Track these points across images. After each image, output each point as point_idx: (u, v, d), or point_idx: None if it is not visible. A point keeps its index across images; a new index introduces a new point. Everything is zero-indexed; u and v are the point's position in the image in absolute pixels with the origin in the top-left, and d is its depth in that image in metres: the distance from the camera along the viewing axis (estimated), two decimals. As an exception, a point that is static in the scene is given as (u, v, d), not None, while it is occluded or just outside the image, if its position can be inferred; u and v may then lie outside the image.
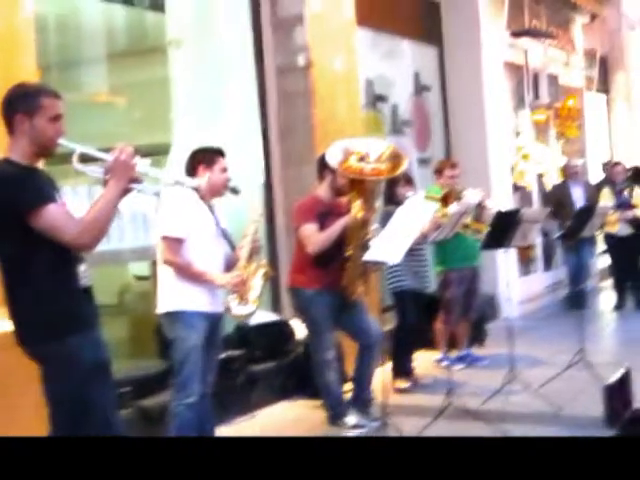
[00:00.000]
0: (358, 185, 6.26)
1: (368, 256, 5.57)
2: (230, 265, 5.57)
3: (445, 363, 8.17)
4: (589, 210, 8.06)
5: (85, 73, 8.03)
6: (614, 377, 6.22)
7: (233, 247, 5.60)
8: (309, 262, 6.43)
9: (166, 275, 5.46)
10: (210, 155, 5.58)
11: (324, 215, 6.40)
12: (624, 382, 6.27)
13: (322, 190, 6.57)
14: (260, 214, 5.79)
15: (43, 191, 3.89)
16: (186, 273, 5.39)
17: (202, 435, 5.51)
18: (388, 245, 5.42)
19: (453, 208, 7.15)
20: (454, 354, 8.47)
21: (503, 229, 6.98)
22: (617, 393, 6.13)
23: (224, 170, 5.58)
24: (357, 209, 6.23)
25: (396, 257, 5.41)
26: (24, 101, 3.93)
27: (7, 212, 3.82)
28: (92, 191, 5.89)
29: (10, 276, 3.96)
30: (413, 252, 6.94)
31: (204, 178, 5.07)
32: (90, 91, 8.04)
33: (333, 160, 6.26)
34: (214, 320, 5.50)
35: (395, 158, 6.30)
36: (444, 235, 6.94)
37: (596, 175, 14.17)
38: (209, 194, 5.44)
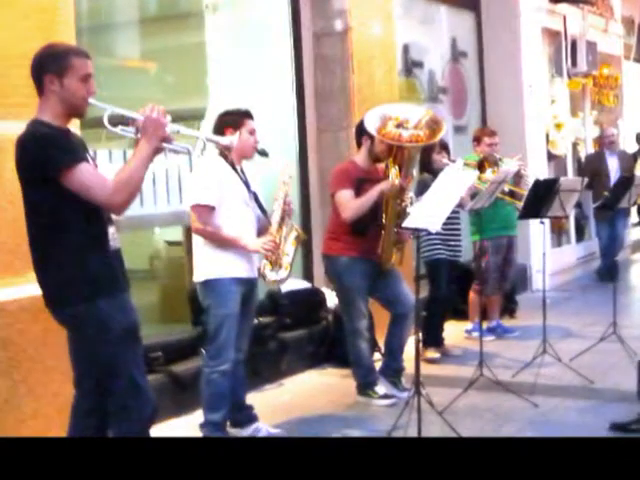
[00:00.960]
0: (396, 152, 6.16)
1: (407, 223, 5.46)
2: (262, 230, 5.52)
3: (475, 334, 8.10)
4: (629, 180, 7.91)
5: (118, 37, 7.94)
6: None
7: (264, 211, 5.54)
8: (345, 229, 6.34)
9: (201, 243, 5.41)
10: (237, 117, 5.48)
11: (361, 181, 6.30)
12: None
13: (359, 156, 6.48)
14: (290, 176, 5.64)
15: (76, 151, 3.86)
16: (217, 240, 5.35)
17: (235, 400, 5.53)
18: (428, 212, 5.32)
19: (491, 176, 7.03)
20: (484, 325, 8.36)
21: (541, 198, 6.86)
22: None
23: (252, 132, 5.48)
24: (394, 176, 6.13)
25: (436, 225, 5.30)
26: (54, 61, 3.90)
27: (39, 171, 3.79)
28: (127, 155, 5.82)
29: (39, 237, 3.92)
30: (447, 221, 6.79)
31: (235, 137, 5.00)
32: (123, 55, 7.95)
33: (371, 126, 6.15)
34: (249, 286, 5.47)
35: (434, 124, 6.19)
36: (482, 203, 6.83)
37: (631, 145, 13.96)
38: (238, 156, 5.39)
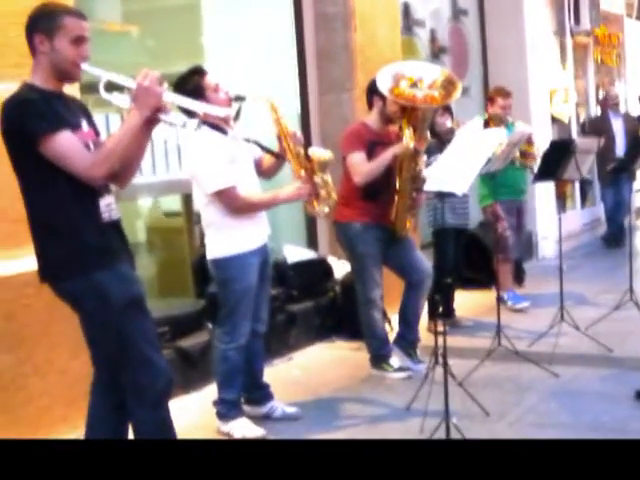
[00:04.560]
0: (410, 113, 5.86)
1: (430, 186, 5.16)
2: (259, 165, 5.25)
3: (511, 303, 8.04)
4: (643, 141, 7.71)
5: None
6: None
7: (275, 153, 5.20)
8: (357, 194, 6.06)
9: (211, 219, 5.09)
10: (193, 83, 4.96)
11: (373, 144, 6.03)
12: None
13: (371, 118, 6.18)
14: (282, 113, 5.17)
15: (57, 118, 3.62)
16: (258, 207, 5.12)
17: (252, 377, 5.37)
18: (452, 173, 5.00)
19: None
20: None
21: (557, 159, 6.63)
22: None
23: (216, 88, 5.01)
24: (408, 138, 5.83)
25: (464, 187, 4.99)
26: (44, 21, 3.71)
27: (18, 138, 3.61)
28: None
29: (31, 208, 3.75)
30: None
31: (231, 109, 4.63)
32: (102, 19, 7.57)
33: (383, 86, 5.85)
34: (264, 252, 5.22)
35: (449, 85, 5.92)
36: (497, 166, 6.54)
37: (633, 107, 13.70)
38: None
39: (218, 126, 4.98)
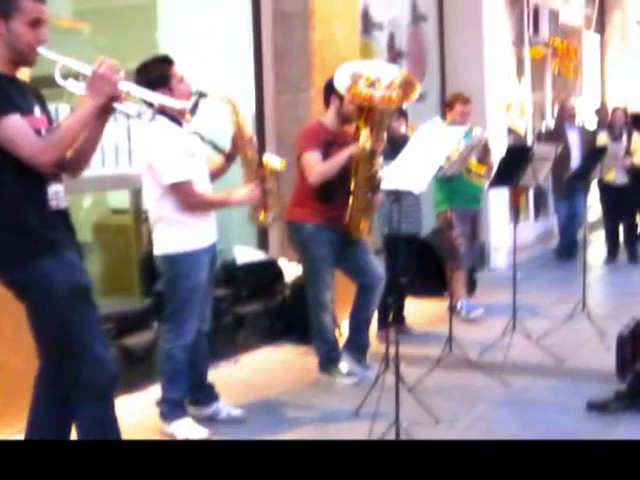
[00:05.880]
0: (367, 113, 5.76)
1: (387, 185, 5.07)
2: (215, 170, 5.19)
3: (465, 312, 8.00)
4: (601, 151, 7.69)
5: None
6: (626, 328, 5.88)
7: (226, 153, 5.14)
8: (311, 194, 5.96)
9: (161, 214, 4.98)
10: (161, 71, 4.89)
11: (329, 144, 5.93)
12: (635, 333, 5.94)
13: (327, 117, 6.08)
14: (238, 105, 5.11)
15: (6, 100, 3.53)
16: (210, 205, 5.06)
17: (196, 377, 5.25)
18: (409, 172, 4.91)
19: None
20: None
21: (514, 165, 6.59)
22: (629, 344, 5.82)
23: (181, 79, 4.94)
24: (365, 139, 5.74)
25: (421, 185, 4.91)
26: (1, 2, 3.59)
27: None
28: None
29: None
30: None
31: (189, 102, 4.52)
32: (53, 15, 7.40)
33: (341, 85, 5.75)
34: (213, 252, 5.15)
35: (407, 85, 5.82)
36: (453, 170, 6.46)
37: (589, 121, 13.76)
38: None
39: (174, 118, 4.89)
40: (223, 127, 5.29)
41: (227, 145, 5.19)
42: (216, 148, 5.16)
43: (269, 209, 5.15)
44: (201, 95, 4.96)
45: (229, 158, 5.16)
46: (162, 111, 4.43)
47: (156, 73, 4.88)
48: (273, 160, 5.18)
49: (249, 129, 5.19)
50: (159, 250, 5.02)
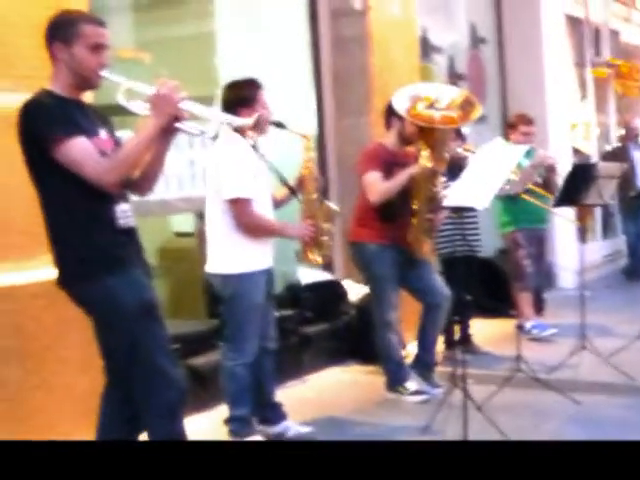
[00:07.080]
0: (427, 134, 5.78)
1: (450, 201, 5.10)
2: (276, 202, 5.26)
3: (536, 331, 7.91)
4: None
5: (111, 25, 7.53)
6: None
7: (291, 187, 5.20)
8: (373, 215, 6.01)
9: (221, 233, 5.07)
10: (249, 93, 5.07)
11: (390, 165, 5.95)
12: None
13: (389, 139, 6.13)
14: (312, 145, 5.28)
15: (71, 123, 3.61)
16: (264, 230, 5.10)
17: (263, 396, 5.31)
18: (471, 190, 4.93)
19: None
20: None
21: (578, 184, 6.53)
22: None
23: (265, 105, 5.10)
24: (425, 159, 5.77)
25: (484, 202, 4.93)
26: (62, 29, 3.72)
27: (31, 143, 3.62)
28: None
29: (47, 214, 3.74)
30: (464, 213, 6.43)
31: (254, 117, 4.63)
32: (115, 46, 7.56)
33: (400, 107, 5.80)
34: (270, 274, 5.21)
35: (468, 105, 5.84)
36: (516, 189, 6.45)
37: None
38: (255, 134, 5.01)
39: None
40: (282, 159, 5.39)
41: (288, 177, 5.26)
42: (282, 180, 5.21)
43: (320, 249, 5.22)
44: (279, 125, 5.11)
45: (294, 192, 5.22)
46: (237, 130, 4.55)
47: (244, 93, 5.06)
48: (332, 204, 5.33)
49: (316, 169, 5.30)
50: (217, 269, 5.10)
